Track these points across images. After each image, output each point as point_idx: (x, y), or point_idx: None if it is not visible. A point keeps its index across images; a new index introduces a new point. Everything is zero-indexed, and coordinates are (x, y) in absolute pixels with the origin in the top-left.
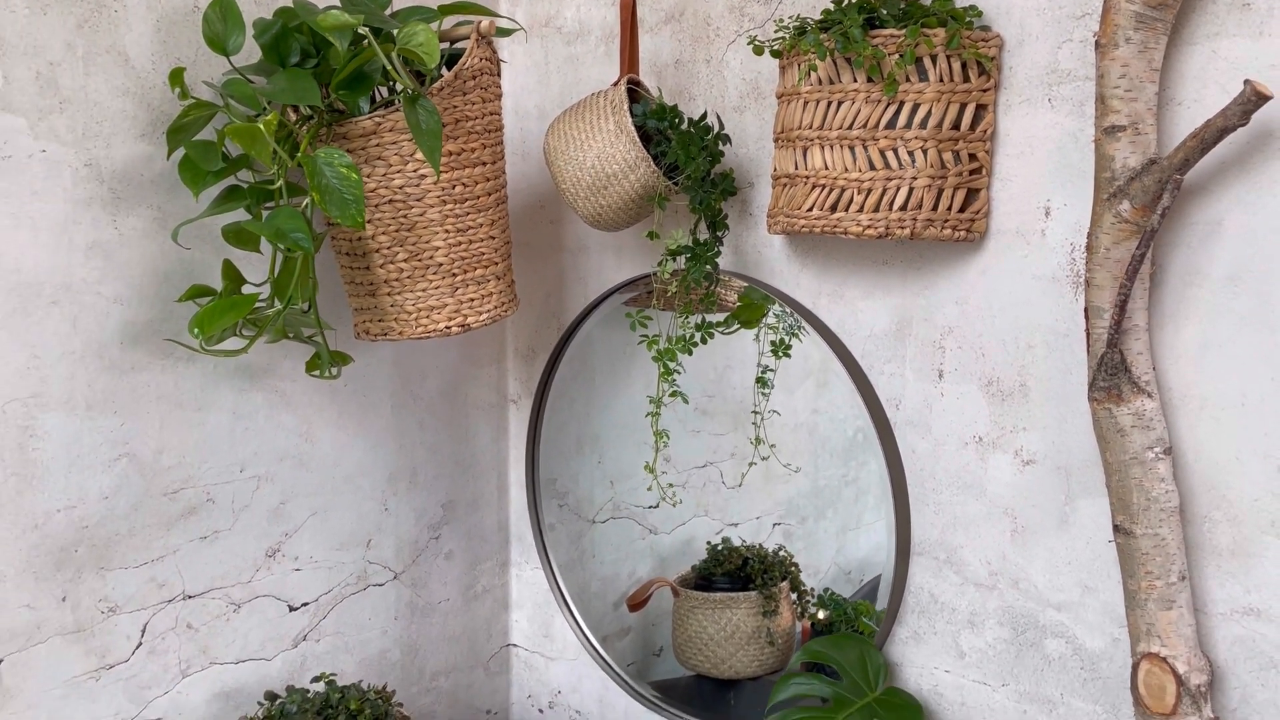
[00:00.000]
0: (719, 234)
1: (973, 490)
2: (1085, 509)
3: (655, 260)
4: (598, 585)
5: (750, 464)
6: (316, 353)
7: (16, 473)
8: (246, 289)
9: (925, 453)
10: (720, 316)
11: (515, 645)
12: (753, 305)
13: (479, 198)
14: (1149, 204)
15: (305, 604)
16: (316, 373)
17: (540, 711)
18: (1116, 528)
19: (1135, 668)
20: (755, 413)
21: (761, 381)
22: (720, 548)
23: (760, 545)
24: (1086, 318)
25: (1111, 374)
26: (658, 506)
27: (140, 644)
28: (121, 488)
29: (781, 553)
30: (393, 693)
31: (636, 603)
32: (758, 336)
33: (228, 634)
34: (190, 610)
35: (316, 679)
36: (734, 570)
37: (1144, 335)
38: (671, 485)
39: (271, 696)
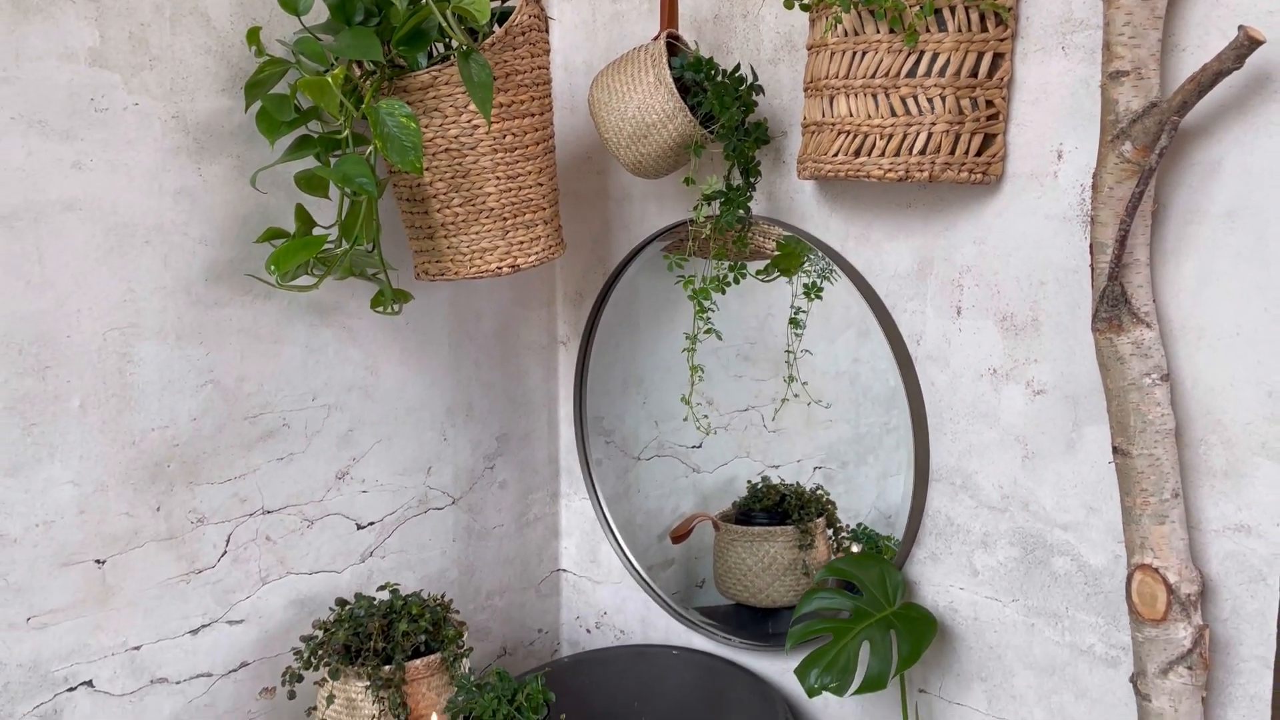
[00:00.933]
0: (751, 180)
1: (987, 419)
2: (1091, 435)
3: (693, 207)
4: (642, 519)
5: (783, 400)
6: (380, 290)
7: (116, 394)
8: (317, 231)
9: (944, 385)
10: (761, 265)
11: (564, 570)
12: (791, 253)
13: (528, 146)
14: (1149, 144)
15: (371, 523)
16: (380, 309)
17: (587, 631)
18: (1115, 449)
19: (1130, 578)
20: (788, 352)
21: (794, 323)
22: (759, 485)
23: (798, 483)
24: (1091, 253)
25: (1113, 305)
26: (700, 446)
27: (225, 552)
28: (207, 411)
29: (818, 491)
30: (450, 601)
31: (679, 535)
32: (791, 281)
33: (302, 547)
34: (269, 524)
35: (381, 587)
36: (772, 506)
37: (1145, 270)
38: (706, 416)
39: (341, 602)
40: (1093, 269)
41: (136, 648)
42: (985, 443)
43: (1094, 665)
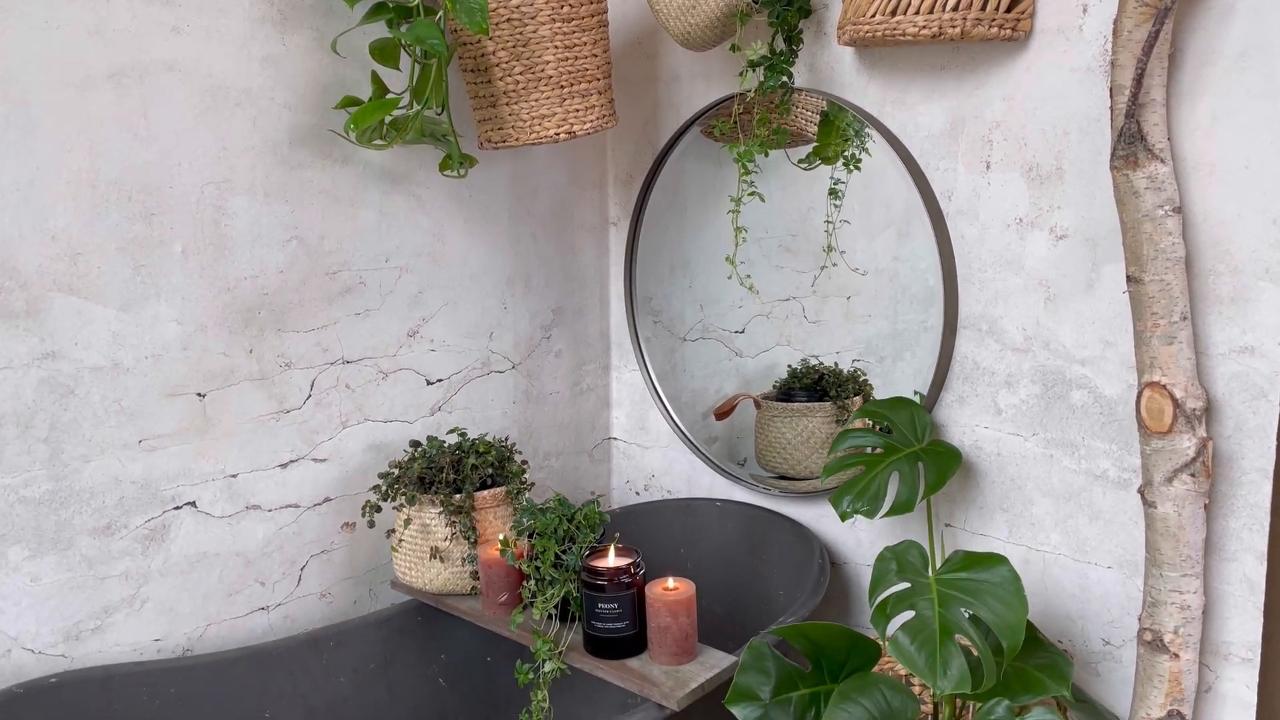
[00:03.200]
0: (795, 47)
1: (1012, 266)
2: (1108, 273)
3: (738, 74)
4: (688, 396)
5: (821, 268)
6: (448, 154)
7: (213, 243)
8: (390, 96)
9: (973, 238)
10: (803, 153)
11: (615, 439)
12: (832, 128)
13: (584, 18)
14: None
15: (439, 380)
16: (449, 172)
17: (637, 494)
18: (1129, 278)
19: (1139, 396)
20: (828, 222)
21: (833, 194)
22: (799, 367)
23: (835, 363)
24: (1111, 96)
25: (1129, 143)
26: (743, 332)
27: (310, 396)
28: (293, 265)
29: (856, 371)
30: (514, 445)
31: (722, 413)
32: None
33: (377, 397)
34: (348, 373)
35: (450, 431)
36: (811, 385)
37: (1161, 110)
38: (750, 276)
39: (414, 443)
40: (1112, 111)
41: (234, 476)
42: (1010, 289)
43: (1107, 489)
